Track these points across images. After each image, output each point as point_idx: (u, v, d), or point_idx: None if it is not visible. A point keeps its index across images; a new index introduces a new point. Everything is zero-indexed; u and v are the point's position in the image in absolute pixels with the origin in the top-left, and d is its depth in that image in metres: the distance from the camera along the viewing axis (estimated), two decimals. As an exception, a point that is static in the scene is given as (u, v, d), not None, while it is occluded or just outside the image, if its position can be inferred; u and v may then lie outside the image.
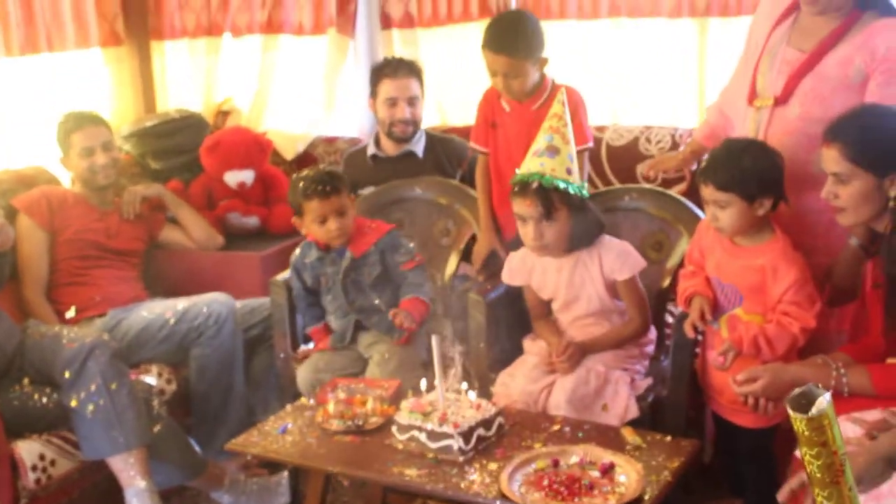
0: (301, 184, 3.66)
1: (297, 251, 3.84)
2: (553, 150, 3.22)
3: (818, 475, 1.73)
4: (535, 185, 3.20)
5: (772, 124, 3.19)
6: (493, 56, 3.66)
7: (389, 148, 4.35)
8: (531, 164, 3.25)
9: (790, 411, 1.72)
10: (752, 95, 3.25)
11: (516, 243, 3.51)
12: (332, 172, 3.73)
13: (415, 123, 4.32)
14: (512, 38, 3.65)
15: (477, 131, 3.93)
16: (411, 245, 3.80)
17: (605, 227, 3.43)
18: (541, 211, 3.22)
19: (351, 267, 3.71)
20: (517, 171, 3.30)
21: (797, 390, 1.72)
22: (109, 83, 5.01)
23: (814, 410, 1.68)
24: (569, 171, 3.24)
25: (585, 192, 3.33)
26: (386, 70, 4.29)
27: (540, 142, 3.26)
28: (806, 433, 1.71)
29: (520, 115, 3.77)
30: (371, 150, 4.39)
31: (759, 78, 3.24)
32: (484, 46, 3.70)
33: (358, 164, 4.35)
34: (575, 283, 3.40)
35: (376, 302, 3.73)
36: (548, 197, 3.21)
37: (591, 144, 3.81)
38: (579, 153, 3.68)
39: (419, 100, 4.33)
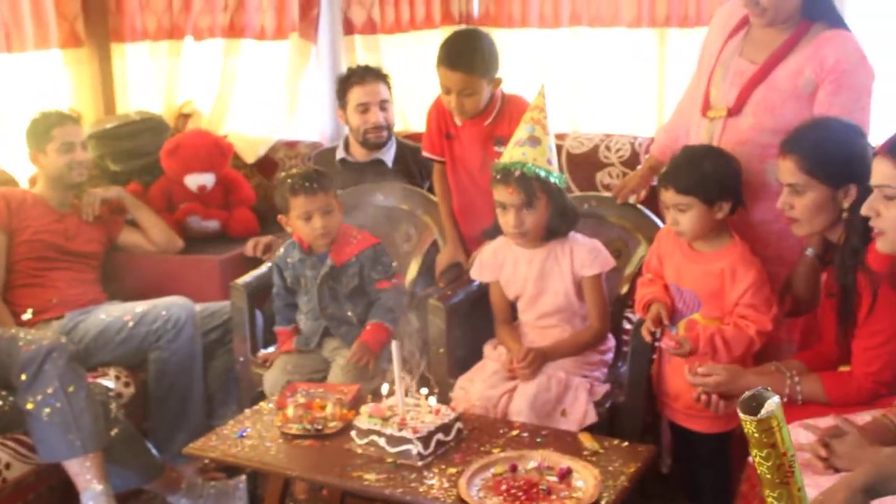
0: (288, 180, 3.67)
1: (281, 250, 3.84)
2: (535, 140, 3.27)
3: (768, 476, 1.76)
4: (517, 173, 3.24)
5: (725, 134, 3.23)
6: (449, 73, 3.67)
7: (359, 154, 4.34)
8: (513, 153, 3.30)
9: (740, 413, 1.75)
10: (706, 106, 3.30)
11: (494, 231, 3.52)
12: (319, 171, 3.74)
13: (388, 128, 4.31)
14: (469, 56, 3.66)
15: (430, 141, 3.94)
16: (393, 264, 3.79)
17: (579, 218, 3.47)
18: (522, 198, 3.26)
19: (330, 274, 3.71)
20: (497, 161, 3.36)
21: (748, 393, 1.76)
22: (69, 84, 4.98)
23: (763, 412, 1.71)
24: (549, 161, 3.30)
25: (563, 183, 3.38)
26: (354, 78, 4.27)
27: (521, 132, 3.32)
28: (756, 435, 1.74)
29: (473, 131, 3.79)
30: (340, 153, 4.38)
31: (713, 90, 3.29)
32: (439, 63, 3.70)
33: (326, 166, 4.30)
34: (544, 276, 3.41)
35: (349, 313, 3.73)
36: (529, 185, 3.25)
37: None
38: None
39: (390, 104, 4.32)
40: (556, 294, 3.41)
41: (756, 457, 1.77)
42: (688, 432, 3.31)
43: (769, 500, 1.79)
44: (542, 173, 3.27)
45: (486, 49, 3.71)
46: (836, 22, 3.17)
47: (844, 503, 2.03)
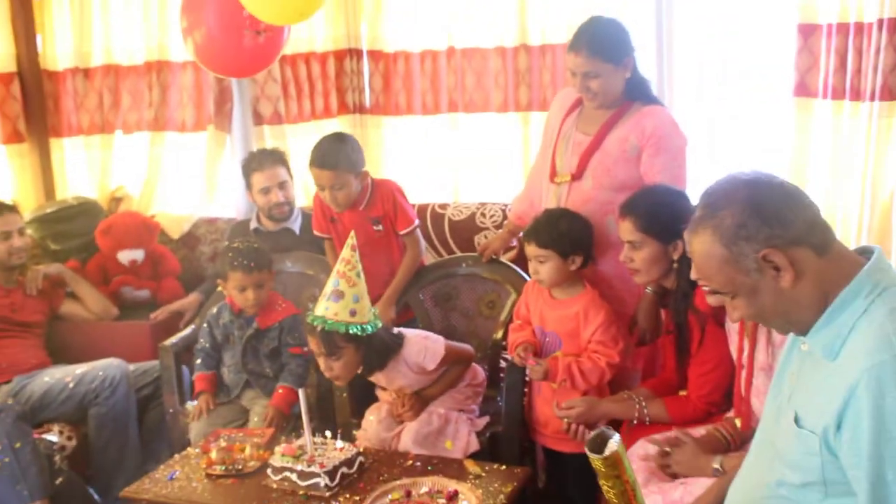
0: (230, 254, 3.65)
1: (215, 309, 3.81)
2: (338, 295, 3.09)
3: (615, 501, 1.82)
4: (319, 328, 3.09)
5: (570, 196, 3.33)
6: (320, 172, 3.65)
7: (269, 225, 4.30)
8: (319, 307, 3.13)
9: (589, 453, 1.81)
10: (553, 174, 3.39)
11: None
12: (259, 250, 3.70)
13: (289, 204, 4.27)
14: (334, 156, 3.63)
15: (318, 223, 3.91)
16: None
17: (398, 346, 3.25)
18: (324, 350, 3.12)
19: (254, 335, 3.69)
20: (309, 314, 3.18)
21: (593, 433, 1.83)
22: (12, 175, 4.90)
23: (607, 451, 1.78)
24: (352, 313, 3.08)
25: (371, 328, 3.13)
26: (253, 164, 4.23)
27: (329, 285, 3.14)
28: (602, 469, 1.80)
29: (352, 216, 3.77)
30: (253, 224, 4.34)
31: (558, 159, 3.39)
32: (311, 165, 3.69)
33: (241, 235, 4.27)
34: (391, 382, 3.35)
35: (267, 369, 3.71)
36: (330, 338, 3.09)
37: (416, 223, 3.81)
38: (409, 233, 3.77)
39: (289, 182, 4.27)
40: (410, 386, 3.34)
41: (604, 486, 1.83)
42: (557, 454, 3.36)
43: None
44: (342, 328, 3.07)
45: (349, 149, 3.68)
46: (652, 100, 3.34)
47: None
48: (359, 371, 3.23)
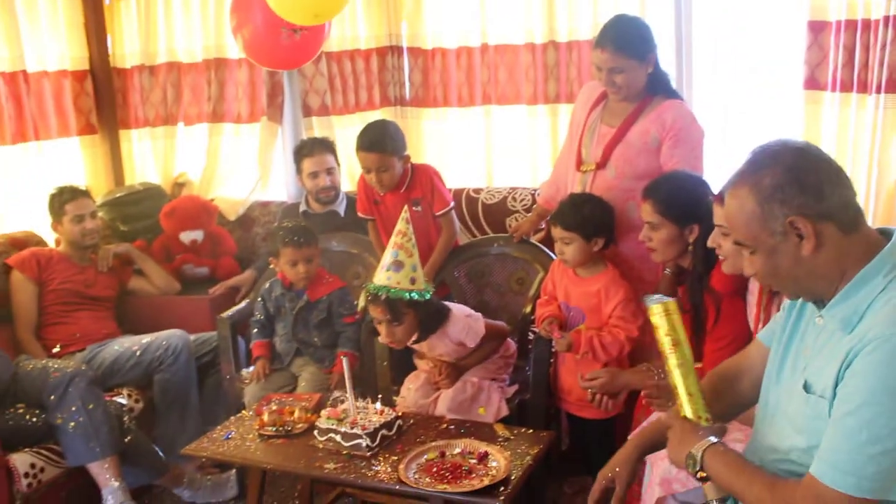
0: (281, 233, 3.68)
1: (267, 284, 3.84)
2: (398, 265, 3.11)
3: (673, 339, 1.94)
4: (383, 296, 3.11)
5: (594, 183, 3.32)
6: (366, 154, 3.67)
7: (317, 208, 4.32)
8: (380, 278, 3.14)
9: (649, 306, 1.96)
10: (579, 163, 3.39)
11: None
12: (306, 228, 3.73)
13: (335, 189, 4.29)
14: (379, 140, 3.65)
15: (361, 205, 3.93)
16: (356, 303, 3.78)
17: (448, 312, 3.27)
18: (389, 317, 3.14)
19: (304, 307, 3.71)
20: (370, 284, 3.20)
21: (654, 297, 1.96)
22: (85, 164, 4.96)
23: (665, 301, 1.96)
24: (412, 281, 3.11)
25: (427, 294, 3.16)
26: (304, 151, 4.25)
27: (387, 256, 3.15)
28: (662, 315, 1.95)
29: (394, 198, 3.79)
30: (303, 207, 4.36)
31: (583, 150, 3.38)
32: (358, 149, 3.70)
33: (291, 217, 4.32)
34: (433, 349, 3.36)
35: (315, 339, 3.73)
36: (395, 305, 3.12)
37: (452, 205, 3.83)
38: (445, 214, 3.79)
39: (336, 169, 4.29)
40: (448, 355, 3.36)
41: (660, 335, 1.96)
42: (580, 419, 3.37)
43: (676, 358, 1.94)
44: (405, 295, 3.10)
45: (392, 133, 3.70)
46: (672, 94, 3.31)
47: (625, 457, 2.12)
48: (415, 337, 3.25)
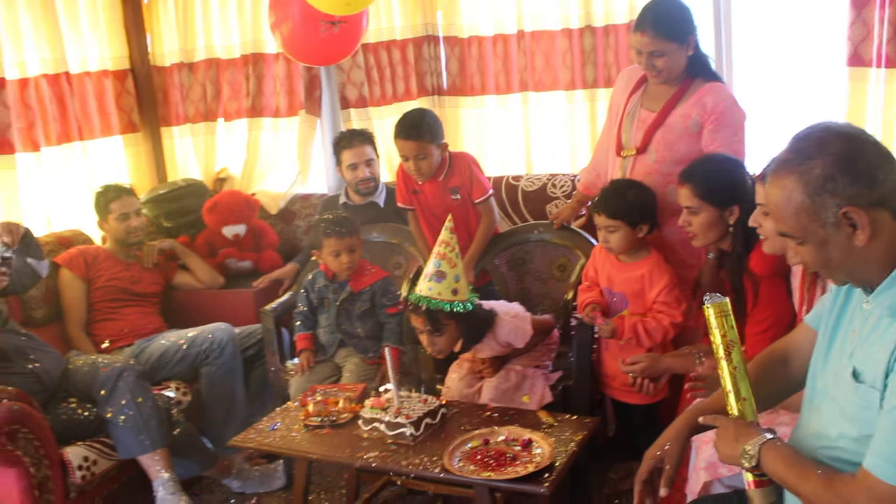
0: (322, 224, 3.69)
1: (310, 276, 3.86)
2: (440, 275, 3.05)
3: (725, 341, 1.90)
4: (424, 307, 3.07)
5: (635, 168, 3.29)
6: (404, 142, 3.67)
7: (356, 199, 4.33)
8: (422, 287, 3.09)
9: (705, 305, 1.91)
10: (619, 148, 3.35)
11: None
12: (348, 218, 3.74)
13: (374, 180, 4.29)
14: (417, 128, 3.66)
15: (401, 195, 3.94)
16: (399, 293, 3.79)
17: (493, 320, 3.22)
18: (429, 328, 3.11)
19: (347, 298, 3.72)
20: (412, 293, 3.17)
21: (713, 296, 1.92)
22: (129, 162, 5.01)
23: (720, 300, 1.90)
24: (454, 292, 3.06)
25: (470, 305, 3.10)
26: (343, 143, 4.25)
27: (430, 266, 3.10)
28: (715, 313, 1.90)
29: (433, 186, 3.80)
30: (342, 199, 4.37)
31: (623, 134, 3.34)
32: (396, 137, 3.71)
33: (331, 209, 4.32)
34: (478, 352, 3.33)
35: (359, 330, 3.74)
36: (435, 316, 3.07)
37: (491, 192, 3.82)
38: (484, 201, 3.78)
39: (375, 161, 4.29)
40: (493, 352, 3.33)
41: (713, 332, 1.91)
42: (625, 404, 3.34)
43: (734, 356, 1.90)
44: (446, 307, 3.05)
45: (430, 121, 3.70)
46: (712, 76, 3.26)
47: (676, 434, 2.06)
48: (457, 347, 3.20)
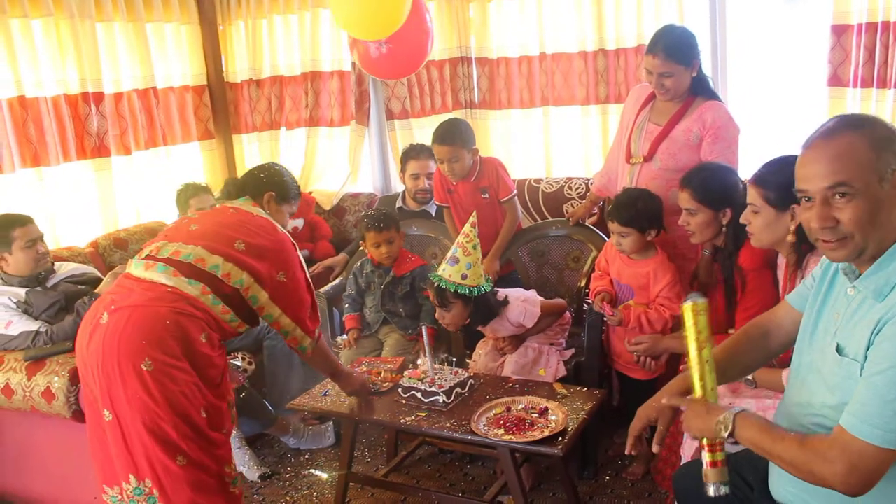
0: (365, 220, 3.71)
1: (359, 263, 3.87)
2: (454, 260, 3.07)
3: (692, 344, 1.83)
4: (435, 284, 3.10)
5: (642, 174, 3.27)
6: (439, 147, 3.67)
7: (412, 205, 4.30)
8: (440, 269, 3.13)
9: (684, 305, 1.84)
10: (629, 156, 3.33)
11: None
12: (386, 214, 3.74)
13: (430, 192, 4.22)
14: (451, 134, 3.66)
15: (437, 194, 3.95)
16: None
17: (500, 307, 3.22)
18: (437, 302, 3.13)
19: (391, 282, 3.73)
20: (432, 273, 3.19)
21: (690, 296, 1.85)
22: (204, 164, 5.06)
23: (697, 300, 1.83)
24: (463, 276, 3.06)
25: (477, 291, 3.10)
26: (412, 154, 4.22)
27: (451, 251, 3.12)
28: (690, 315, 1.83)
29: (465, 186, 3.79)
30: (399, 203, 4.37)
31: (633, 144, 3.32)
32: (433, 143, 3.72)
33: (387, 206, 4.33)
34: (494, 332, 3.34)
35: (400, 310, 3.75)
36: (443, 294, 3.09)
37: (514, 192, 3.81)
38: (509, 200, 3.77)
39: (434, 175, 4.20)
40: (509, 334, 3.32)
41: (687, 330, 1.84)
42: (629, 378, 3.31)
43: (690, 363, 1.85)
44: (452, 287, 3.06)
45: (462, 128, 3.69)
46: (712, 95, 3.23)
47: (668, 394, 1.96)
48: (466, 323, 3.21)
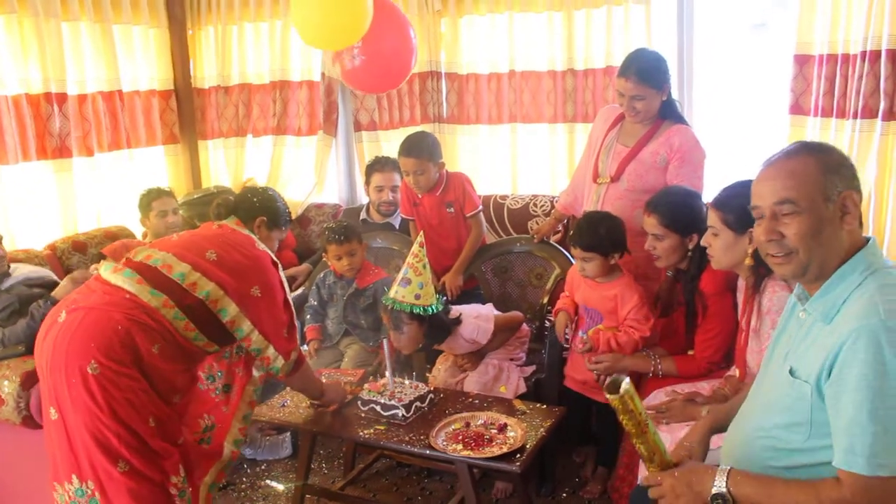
0: (327, 232, 3.70)
1: (322, 274, 3.84)
2: (406, 281, 3.02)
3: (633, 430, 1.78)
4: (389, 306, 3.04)
5: (608, 194, 3.28)
6: (406, 159, 3.67)
7: (377, 217, 4.28)
8: (392, 291, 3.06)
9: (607, 395, 1.76)
10: (596, 175, 3.34)
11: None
12: (347, 226, 3.71)
13: (395, 204, 4.21)
14: (417, 147, 3.65)
15: (403, 206, 3.94)
16: None
17: (454, 326, 3.18)
18: (392, 325, 3.06)
19: (353, 293, 3.71)
20: (385, 296, 3.11)
21: (609, 378, 1.77)
22: (169, 169, 5.00)
23: (622, 390, 1.74)
24: (416, 297, 3.00)
25: (430, 310, 3.03)
26: (376, 166, 4.21)
27: (402, 273, 3.06)
28: (619, 406, 1.76)
29: (431, 200, 3.78)
30: (363, 215, 4.34)
31: (600, 164, 3.33)
32: (399, 155, 3.70)
33: (351, 219, 4.29)
34: (452, 349, 3.34)
35: (362, 321, 3.73)
36: (397, 316, 3.02)
37: (480, 208, 3.80)
38: (474, 215, 3.77)
39: (399, 188, 4.17)
40: (469, 351, 3.33)
41: (622, 419, 1.78)
42: (586, 398, 3.30)
43: (636, 445, 1.81)
44: (406, 308, 2.99)
45: (429, 142, 3.69)
46: (679, 119, 3.26)
47: (697, 438, 2.05)
48: (420, 345, 3.16)
